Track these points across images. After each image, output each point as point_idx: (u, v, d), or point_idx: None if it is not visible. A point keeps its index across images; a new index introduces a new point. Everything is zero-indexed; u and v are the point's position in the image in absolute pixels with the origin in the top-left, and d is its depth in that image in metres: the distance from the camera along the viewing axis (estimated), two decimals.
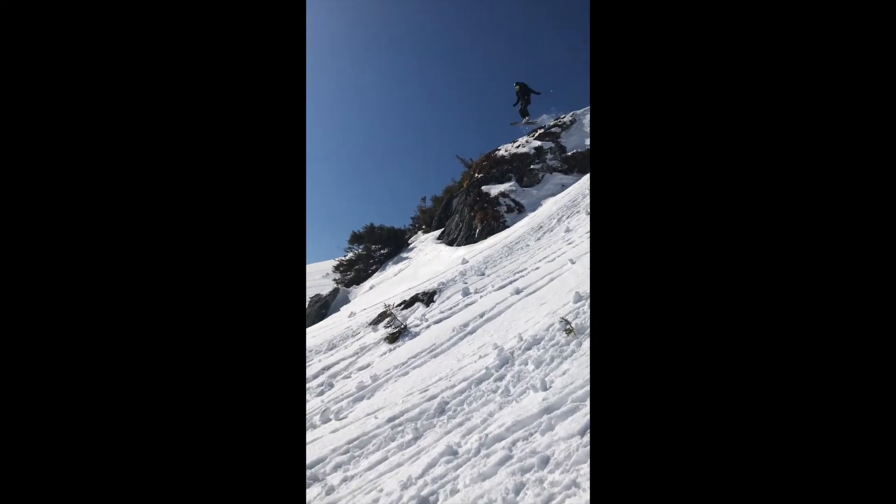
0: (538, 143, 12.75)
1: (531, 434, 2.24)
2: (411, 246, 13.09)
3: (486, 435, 2.39)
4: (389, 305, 6.39)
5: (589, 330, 3.03)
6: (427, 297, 6.25)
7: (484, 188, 11.70)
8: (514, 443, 2.25)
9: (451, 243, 11.21)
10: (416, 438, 2.79)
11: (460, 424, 2.71)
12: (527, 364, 3.04)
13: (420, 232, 14.08)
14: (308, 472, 2.87)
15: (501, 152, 12.98)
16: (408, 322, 5.52)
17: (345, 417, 3.67)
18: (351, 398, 4.00)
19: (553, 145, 12.63)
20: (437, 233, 12.66)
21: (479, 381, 3.15)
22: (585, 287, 3.90)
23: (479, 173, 12.67)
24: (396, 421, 3.11)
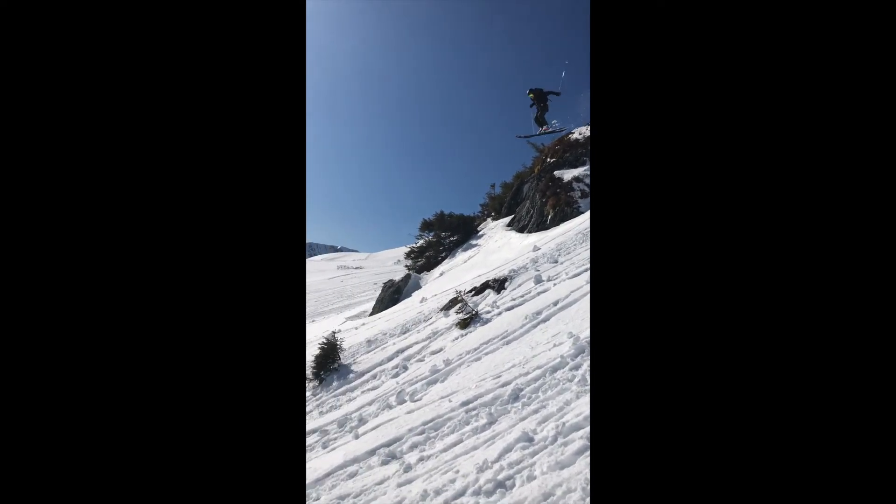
0: None
1: None
2: (480, 233, 13.08)
3: (563, 423, 2.34)
4: (460, 292, 6.44)
5: None
6: (498, 284, 6.22)
7: (556, 173, 11.36)
8: None
9: (521, 230, 11.04)
10: (490, 423, 2.80)
11: (535, 412, 2.68)
12: None
13: (489, 219, 14.01)
14: (386, 450, 2.99)
15: (575, 135, 12.51)
16: (479, 308, 5.54)
17: (419, 399, 3.77)
18: (424, 381, 4.10)
19: None
20: (507, 219, 12.52)
21: (554, 369, 3.10)
22: None
23: (551, 158, 12.32)
24: (470, 405, 3.14)
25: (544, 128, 10.33)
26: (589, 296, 4.37)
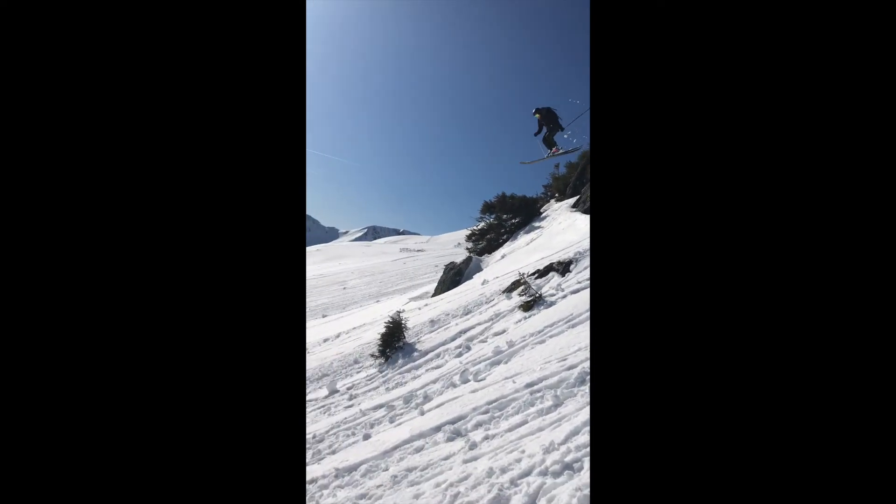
0: None
1: None
2: (544, 215, 12.79)
3: None
4: (523, 274, 6.36)
5: None
6: (562, 267, 6.08)
7: None
8: None
9: (587, 212, 10.68)
10: (556, 406, 2.77)
11: None
12: None
13: (553, 200, 13.66)
14: (451, 427, 3.05)
15: None
16: (542, 291, 5.45)
17: (483, 380, 3.79)
18: (488, 362, 4.12)
19: None
20: (573, 200, 12.15)
21: None
22: None
23: None
24: (535, 387, 3.12)
25: (554, 150, 9.02)
26: None
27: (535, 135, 9.03)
